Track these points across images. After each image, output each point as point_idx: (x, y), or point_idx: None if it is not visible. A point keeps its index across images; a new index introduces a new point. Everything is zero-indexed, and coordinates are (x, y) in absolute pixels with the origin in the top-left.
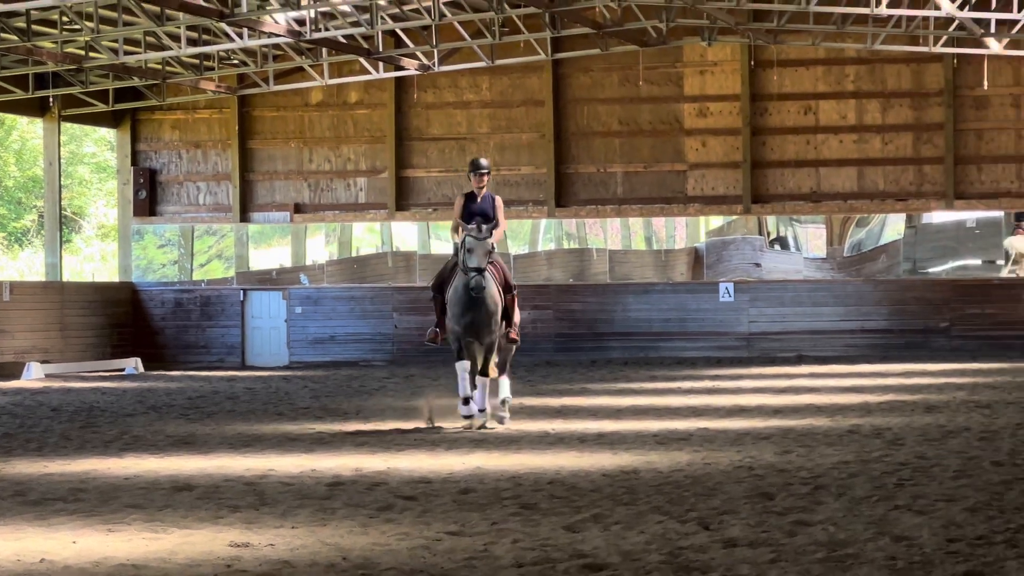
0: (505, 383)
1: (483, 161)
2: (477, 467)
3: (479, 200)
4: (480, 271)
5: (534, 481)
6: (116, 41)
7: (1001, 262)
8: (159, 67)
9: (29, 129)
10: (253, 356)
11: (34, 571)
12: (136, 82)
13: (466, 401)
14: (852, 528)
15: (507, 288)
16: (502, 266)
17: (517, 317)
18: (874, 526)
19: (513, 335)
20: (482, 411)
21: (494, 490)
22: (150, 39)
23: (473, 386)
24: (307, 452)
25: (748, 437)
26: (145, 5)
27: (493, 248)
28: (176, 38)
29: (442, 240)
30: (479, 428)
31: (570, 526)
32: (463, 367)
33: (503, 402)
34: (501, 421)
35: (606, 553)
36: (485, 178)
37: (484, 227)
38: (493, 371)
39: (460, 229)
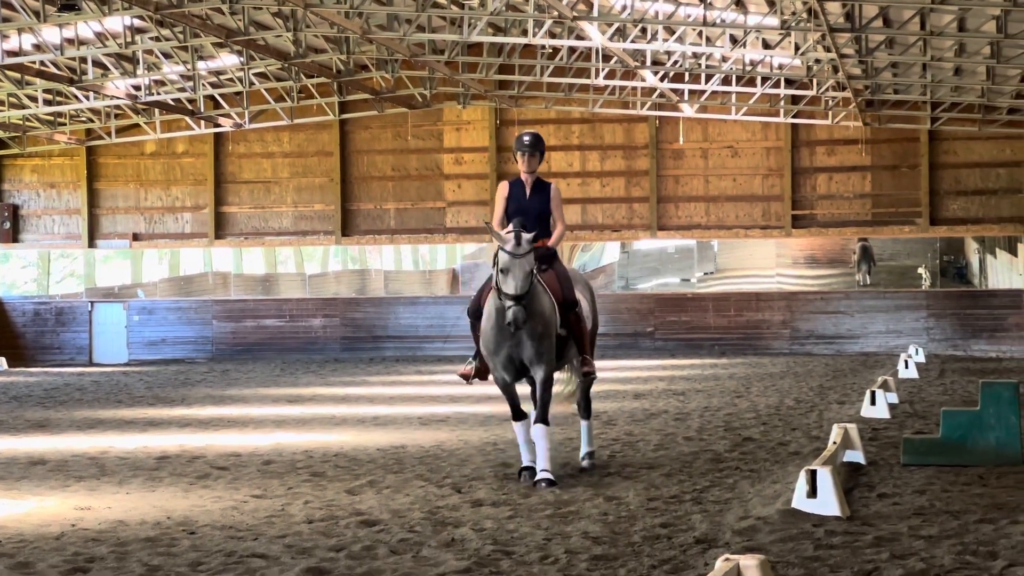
0: (586, 428)
1: (530, 136)
2: (277, 443)
3: (528, 190)
4: (519, 300)
5: (323, 454)
6: None
7: (699, 275)
8: (20, 122)
9: None
10: (99, 355)
11: None
12: (1, 134)
13: (530, 472)
14: (574, 490)
15: (567, 304)
16: (562, 273)
17: (588, 340)
18: (591, 488)
19: (586, 368)
20: (544, 471)
21: (291, 461)
22: (12, 99)
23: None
24: (141, 432)
25: (493, 419)
26: (8, 72)
27: (534, 267)
28: (34, 99)
29: (253, 263)
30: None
31: (351, 490)
32: (521, 429)
33: (586, 457)
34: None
35: (379, 511)
36: (536, 159)
37: (525, 237)
38: (568, 406)
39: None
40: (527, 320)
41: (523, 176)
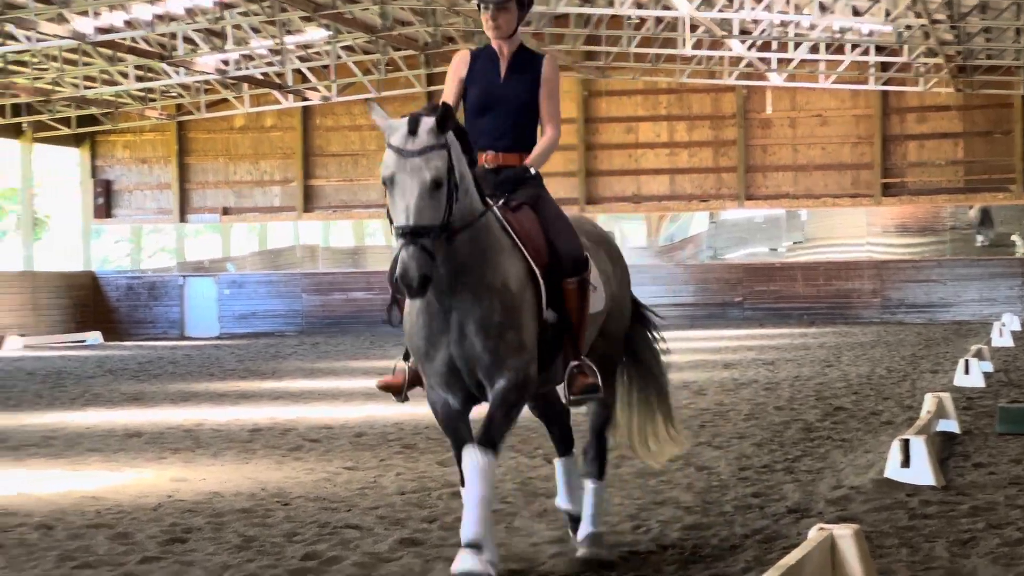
0: (592, 493)
1: None
2: (368, 416)
3: (504, 64)
4: (415, 236)
5: (414, 426)
6: (77, 78)
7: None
8: (112, 98)
9: (6, 148)
10: (190, 329)
11: (12, 502)
12: (94, 111)
13: (475, 548)
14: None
15: (562, 263)
16: (550, 213)
17: (583, 329)
18: (681, 459)
19: (585, 379)
20: (469, 542)
21: (382, 434)
22: (105, 76)
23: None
24: (233, 405)
25: None
26: (100, 49)
27: (445, 176)
28: (126, 75)
29: (341, 236)
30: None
31: (442, 462)
32: (478, 470)
33: (590, 540)
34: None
35: None
36: (510, 17)
37: (425, 122)
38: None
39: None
40: (429, 279)
41: (494, 44)
